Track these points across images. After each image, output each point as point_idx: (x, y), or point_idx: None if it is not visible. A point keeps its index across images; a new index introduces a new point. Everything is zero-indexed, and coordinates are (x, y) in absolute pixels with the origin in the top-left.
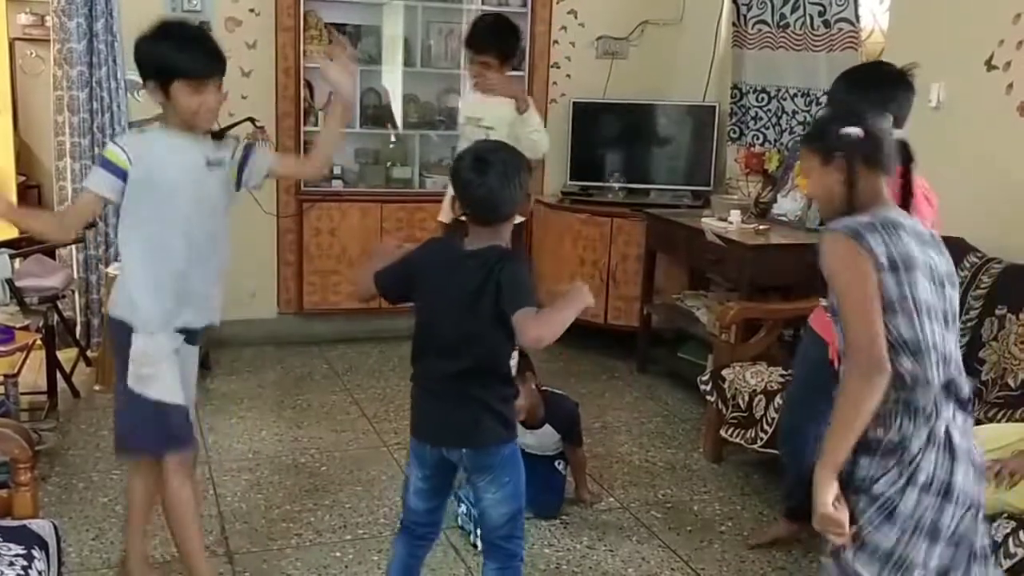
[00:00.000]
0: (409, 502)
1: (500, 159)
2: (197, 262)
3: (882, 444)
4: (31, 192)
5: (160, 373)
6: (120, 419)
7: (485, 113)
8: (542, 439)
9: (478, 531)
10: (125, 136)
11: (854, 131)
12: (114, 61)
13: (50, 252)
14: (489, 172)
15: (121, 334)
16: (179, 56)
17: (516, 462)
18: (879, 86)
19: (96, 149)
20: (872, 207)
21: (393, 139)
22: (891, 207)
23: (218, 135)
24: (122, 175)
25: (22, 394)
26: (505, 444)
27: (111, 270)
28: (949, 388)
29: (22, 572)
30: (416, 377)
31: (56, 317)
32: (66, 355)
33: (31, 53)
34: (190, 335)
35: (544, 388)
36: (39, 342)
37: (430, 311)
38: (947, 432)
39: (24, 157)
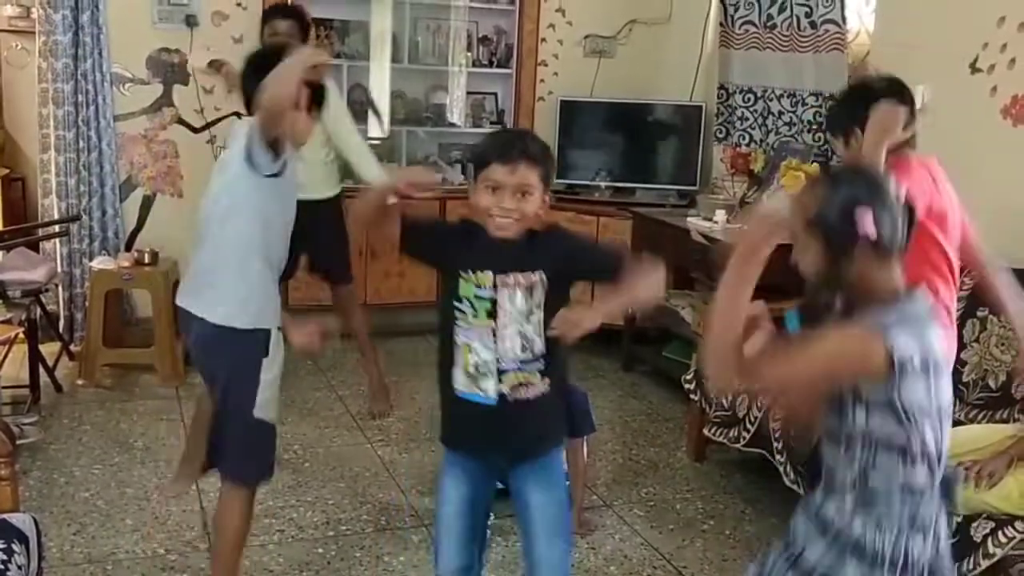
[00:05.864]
0: (442, 547)
1: (530, 136)
2: None
3: (880, 557)
4: (15, 185)
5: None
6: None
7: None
8: None
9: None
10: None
11: (870, 228)
12: (100, 54)
13: (34, 245)
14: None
15: (252, 346)
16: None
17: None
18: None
19: (81, 143)
20: (893, 300)
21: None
22: (913, 297)
23: None
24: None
25: (4, 388)
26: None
27: (96, 264)
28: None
29: (1, 567)
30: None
31: (39, 311)
32: (49, 349)
33: (16, 45)
34: None
35: None
36: (22, 336)
37: None
38: (939, 545)
39: (8, 150)
